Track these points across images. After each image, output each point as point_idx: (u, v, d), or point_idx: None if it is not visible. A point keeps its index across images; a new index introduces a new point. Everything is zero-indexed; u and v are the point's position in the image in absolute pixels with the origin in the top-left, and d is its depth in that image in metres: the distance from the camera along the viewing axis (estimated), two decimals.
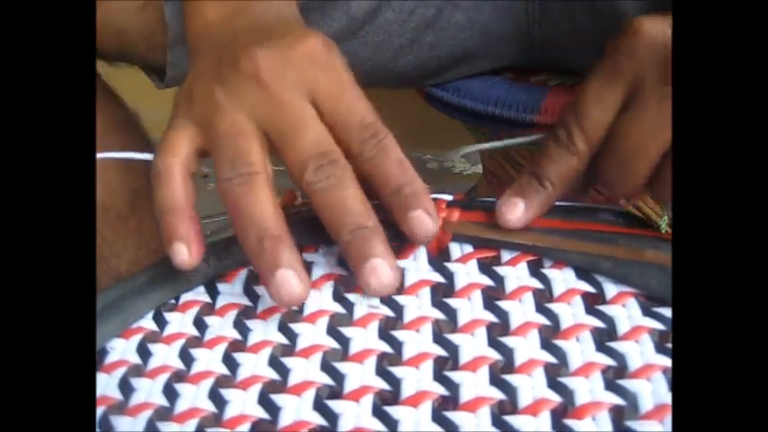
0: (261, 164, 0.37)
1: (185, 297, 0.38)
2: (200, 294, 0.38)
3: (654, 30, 0.36)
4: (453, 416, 0.30)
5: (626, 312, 0.33)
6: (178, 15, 0.60)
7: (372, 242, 0.35)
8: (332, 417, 0.30)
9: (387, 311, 0.35)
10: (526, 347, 0.32)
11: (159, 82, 0.66)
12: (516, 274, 0.36)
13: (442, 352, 0.32)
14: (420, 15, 0.69)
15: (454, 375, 0.31)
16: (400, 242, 0.38)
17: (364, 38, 0.69)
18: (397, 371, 0.32)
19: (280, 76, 0.38)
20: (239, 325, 0.36)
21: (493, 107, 0.74)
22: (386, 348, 0.33)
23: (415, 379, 0.31)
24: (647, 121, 0.36)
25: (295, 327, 0.35)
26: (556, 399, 0.30)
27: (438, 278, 0.36)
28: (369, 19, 0.68)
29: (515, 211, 0.37)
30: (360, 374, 0.32)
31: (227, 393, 0.32)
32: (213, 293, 0.38)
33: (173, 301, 0.38)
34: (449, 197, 0.39)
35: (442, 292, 0.35)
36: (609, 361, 0.31)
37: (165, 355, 0.35)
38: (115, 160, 0.63)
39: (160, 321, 0.37)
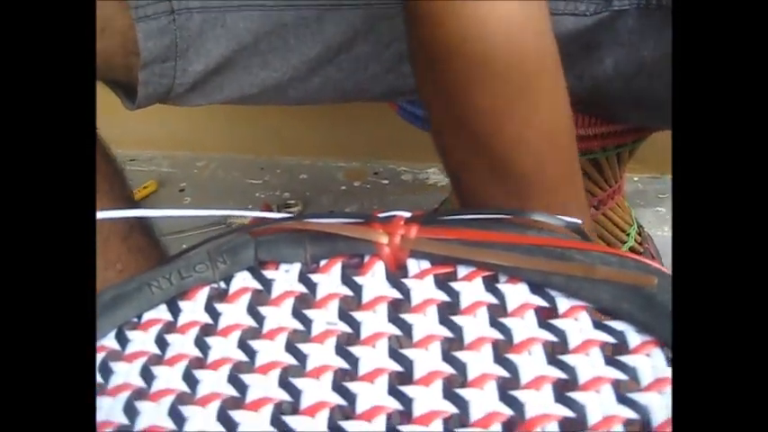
0: None
1: (147, 315, 0.38)
2: (161, 312, 0.38)
3: None
4: (407, 430, 0.30)
5: (577, 326, 0.34)
6: (150, 35, 0.61)
7: None
8: None
9: (344, 328, 0.35)
10: (479, 361, 0.33)
11: (127, 100, 0.67)
12: (472, 289, 0.36)
13: (396, 367, 0.33)
14: (395, 49, 0.71)
15: (408, 390, 0.32)
16: (360, 258, 0.39)
17: (338, 65, 0.71)
18: (352, 386, 0.32)
19: None
20: (199, 342, 0.36)
21: None
22: (342, 364, 0.34)
23: (371, 394, 0.32)
24: None
25: (254, 344, 0.35)
26: (507, 412, 0.30)
27: (395, 294, 0.37)
28: (344, 48, 0.70)
29: None
30: (316, 390, 0.32)
31: (186, 410, 0.33)
32: (175, 311, 0.38)
33: (135, 320, 0.38)
34: (407, 213, 0.40)
35: (399, 308, 0.36)
36: (559, 374, 0.32)
37: (126, 373, 0.35)
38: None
39: (122, 339, 0.37)
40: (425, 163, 1.46)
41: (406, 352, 0.34)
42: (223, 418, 0.32)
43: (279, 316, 0.37)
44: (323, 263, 0.39)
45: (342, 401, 0.32)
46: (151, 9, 0.62)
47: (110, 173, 0.69)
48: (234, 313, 0.37)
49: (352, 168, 1.49)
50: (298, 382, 0.33)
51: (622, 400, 0.30)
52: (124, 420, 0.33)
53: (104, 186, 0.67)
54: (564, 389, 0.31)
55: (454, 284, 0.37)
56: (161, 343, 0.37)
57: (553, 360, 0.32)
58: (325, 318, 0.36)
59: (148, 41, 0.62)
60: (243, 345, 0.35)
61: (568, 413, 0.30)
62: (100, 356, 0.36)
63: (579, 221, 0.40)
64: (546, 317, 0.35)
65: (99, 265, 0.65)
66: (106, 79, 0.66)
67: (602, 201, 0.95)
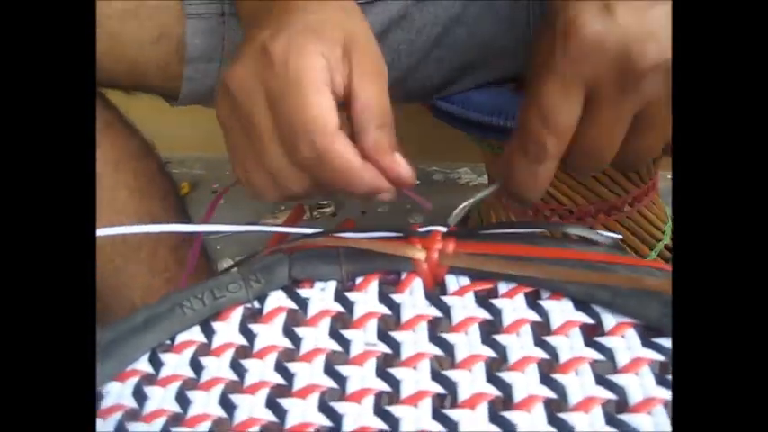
0: None
1: (181, 337, 0.37)
2: (195, 334, 0.37)
3: (601, 32, 0.37)
4: None
5: (625, 343, 0.32)
6: (198, 33, 0.61)
7: None
8: None
9: (384, 348, 0.34)
10: (525, 382, 0.31)
11: (171, 100, 0.68)
12: (514, 306, 0.35)
13: (439, 389, 0.32)
14: (428, 34, 0.71)
15: (453, 413, 0.31)
16: (397, 275, 0.38)
17: None
18: (395, 410, 0.31)
19: None
20: (235, 365, 0.35)
21: (497, 118, 0.74)
22: (383, 387, 0.32)
23: (414, 418, 0.31)
24: (606, 121, 0.39)
25: (291, 366, 0.34)
26: None
27: (435, 312, 0.36)
28: (380, 39, 0.69)
29: None
30: (357, 414, 0.31)
31: None
32: (209, 333, 0.37)
33: (168, 342, 0.37)
34: (443, 229, 0.39)
35: (439, 327, 0.35)
36: (609, 395, 0.30)
37: (161, 399, 0.34)
38: (129, 185, 0.65)
39: (156, 363, 0.36)
40: (457, 163, 1.45)
41: (449, 373, 0.32)
42: None
43: (316, 337, 0.36)
44: (359, 280, 0.38)
45: (384, 426, 0.31)
46: (203, 8, 0.62)
47: (165, 187, 0.69)
48: (269, 334, 0.36)
49: None
50: (338, 407, 0.32)
51: None
52: None
53: (158, 199, 0.67)
54: (614, 410, 0.30)
55: (495, 301, 0.35)
56: (196, 366, 0.36)
57: (602, 380, 0.31)
58: (363, 338, 0.35)
59: (195, 38, 0.62)
60: (280, 367, 0.34)
61: None
62: (133, 381, 0.36)
63: (619, 236, 0.39)
64: (591, 334, 0.33)
65: (145, 272, 0.65)
66: (161, 87, 0.66)
67: (636, 198, 0.93)
